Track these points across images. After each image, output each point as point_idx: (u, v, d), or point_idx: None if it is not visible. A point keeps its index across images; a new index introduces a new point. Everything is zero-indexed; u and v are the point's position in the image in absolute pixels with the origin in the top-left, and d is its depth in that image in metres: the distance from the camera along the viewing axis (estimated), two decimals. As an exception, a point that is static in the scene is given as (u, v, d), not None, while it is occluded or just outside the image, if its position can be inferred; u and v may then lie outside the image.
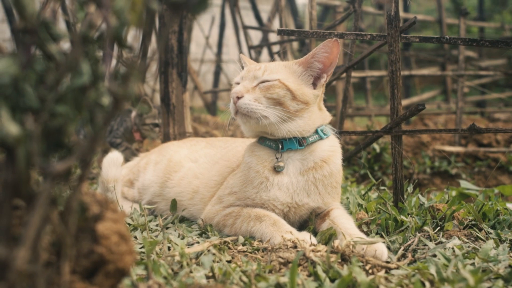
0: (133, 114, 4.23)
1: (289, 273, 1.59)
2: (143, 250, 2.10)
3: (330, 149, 2.46)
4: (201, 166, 2.81)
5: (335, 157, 2.46)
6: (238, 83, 2.41)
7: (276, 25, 8.35)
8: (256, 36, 9.75)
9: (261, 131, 2.40)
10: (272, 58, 4.19)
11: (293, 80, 2.34)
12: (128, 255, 1.25)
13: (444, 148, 5.31)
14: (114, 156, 2.91)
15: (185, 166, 2.86)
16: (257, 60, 6.36)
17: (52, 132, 1.04)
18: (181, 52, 3.55)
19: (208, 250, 1.97)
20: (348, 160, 4.60)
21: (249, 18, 8.82)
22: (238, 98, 2.28)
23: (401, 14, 8.21)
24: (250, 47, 5.01)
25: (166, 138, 3.55)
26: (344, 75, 3.65)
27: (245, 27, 5.08)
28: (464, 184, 3.79)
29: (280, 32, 2.64)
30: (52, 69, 1.09)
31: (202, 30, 8.72)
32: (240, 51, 7.34)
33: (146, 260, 1.64)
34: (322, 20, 8.79)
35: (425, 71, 8.17)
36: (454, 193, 3.49)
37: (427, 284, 1.71)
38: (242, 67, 2.56)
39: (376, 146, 4.76)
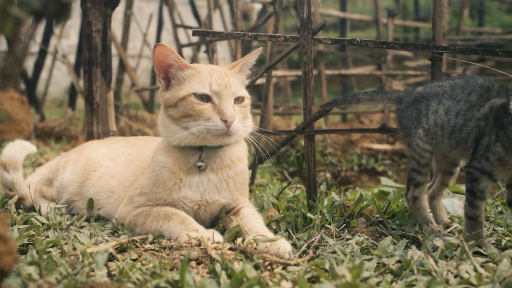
0: None
1: (180, 270, 1.63)
2: (50, 249, 2.10)
3: (244, 148, 2.55)
4: (118, 166, 2.81)
5: (245, 156, 2.55)
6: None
7: (215, 20, 8.35)
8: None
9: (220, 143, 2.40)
10: (208, 57, 4.20)
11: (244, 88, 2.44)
12: (7, 255, 1.27)
13: (372, 146, 5.46)
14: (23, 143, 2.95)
15: (104, 165, 2.85)
16: (194, 59, 6.29)
17: None
18: (105, 51, 3.52)
19: (105, 251, 1.98)
20: (278, 158, 4.69)
21: (188, 15, 8.79)
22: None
23: (338, 13, 8.39)
24: (181, 46, 5.01)
25: (89, 137, 3.52)
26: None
27: (175, 26, 5.08)
28: (385, 181, 3.92)
29: (195, 33, 2.67)
30: None
31: (140, 28, 8.64)
32: (178, 49, 7.29)
33: (38, 259, 1.66)
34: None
35: (360, 70, 8.34)
36: (376, 190, 3.60)
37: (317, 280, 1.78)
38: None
39: (305, 144, 4.85)
